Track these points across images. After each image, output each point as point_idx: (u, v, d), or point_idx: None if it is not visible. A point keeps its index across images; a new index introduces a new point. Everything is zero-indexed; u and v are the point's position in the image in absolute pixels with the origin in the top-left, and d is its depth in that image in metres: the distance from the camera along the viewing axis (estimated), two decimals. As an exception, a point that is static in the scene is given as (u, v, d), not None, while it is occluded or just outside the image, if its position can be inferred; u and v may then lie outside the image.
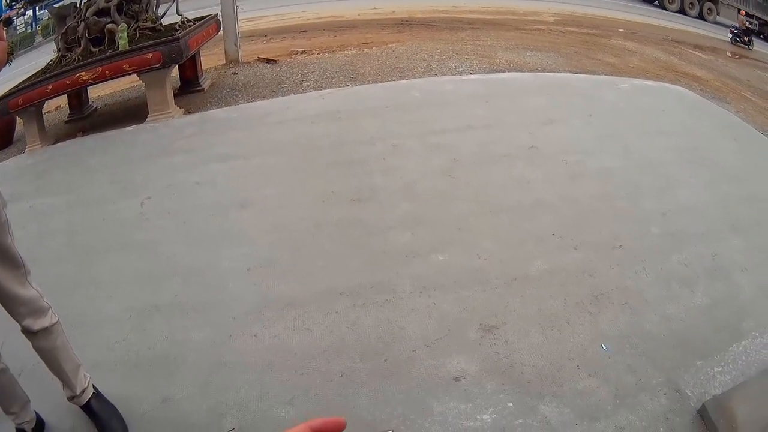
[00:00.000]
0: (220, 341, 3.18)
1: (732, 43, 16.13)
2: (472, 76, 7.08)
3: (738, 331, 3.27)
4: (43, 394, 2.77)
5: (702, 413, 2.71)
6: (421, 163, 4.82)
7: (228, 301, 3.45)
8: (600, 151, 5.21)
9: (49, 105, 7.52)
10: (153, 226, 4.32)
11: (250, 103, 6.38)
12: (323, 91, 6.49)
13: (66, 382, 2.59)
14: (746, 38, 15.90)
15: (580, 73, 7.90)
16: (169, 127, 5.99)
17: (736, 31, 16.37)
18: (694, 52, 14.28)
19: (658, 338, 3.13)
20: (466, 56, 8.31)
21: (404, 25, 12.17)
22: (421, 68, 7.45)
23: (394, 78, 6.94)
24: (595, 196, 4.45)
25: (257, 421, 2.71)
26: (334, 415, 0.71)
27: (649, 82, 8.20)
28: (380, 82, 6.78)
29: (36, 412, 2.64)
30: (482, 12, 14.92)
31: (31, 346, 2.45)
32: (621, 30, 14.37)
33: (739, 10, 18.99)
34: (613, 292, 3.47)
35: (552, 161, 4.91)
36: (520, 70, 7.65)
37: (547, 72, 7.72)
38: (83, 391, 2.63)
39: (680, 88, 8.48)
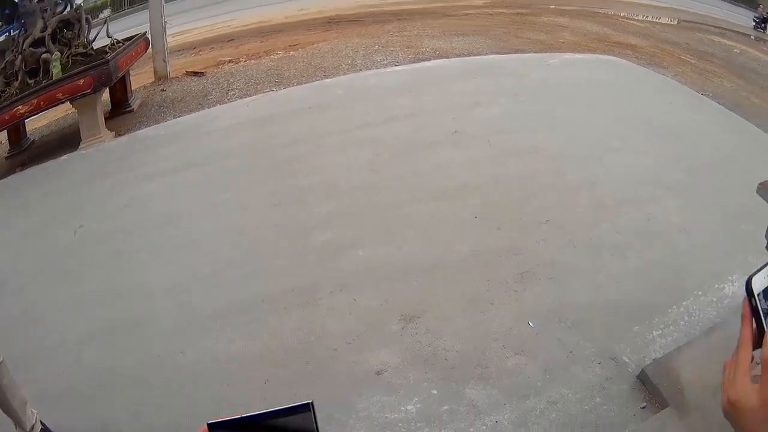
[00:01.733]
0: (150, 362, 3.17)
1: (754, 29, 19.23)
2: (397, 68, 7.12)
3: (679, 291, 3.29)
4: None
5: (642, 378, 2.72)
6: (344, 160, 4.84)
7: (155, 321, 3.45)
8: (526, 129, 5.25)
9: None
10: (85, 253, 4.28)
11: (178, 119, 6.36)
12: (248, 98, 6.50)
13: (17, 420, 2.59)
14: (764, 24, 19.04)
15: (508, 53, 7.94)
16: (101, 152, 5.94)
17: (757, 20, 19.79)
18: (630, 21, 14.46)
19: (589, 308, 3.14)
20: (392, 48, 8.32)
21: (331, 23, 12.17)
22: (346, 65, 7.48)
23: (318, 78, 6.96)
24: (520, 174, 4.48)
25: (188, 440, 2.70)
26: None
27: (580, 55, 8.32)
28: (305, 83, 6.80)
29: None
30: (410, 2, 14.88)
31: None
32: (552, 6, 14.52)
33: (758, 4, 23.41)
34: (539, 267, 3.47)
35: (476, 144, 4.94)
36: (446, 57, 7.66)
37: (474, 56, 7.73)
38: (32, 428, 2.64)
39: (612, 58, 8.55)
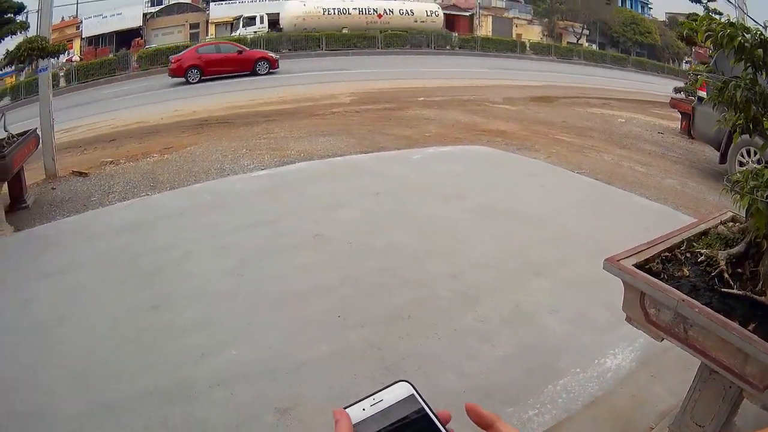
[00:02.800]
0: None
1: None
2: (262, 172, 7.61)
3: (554, 370, 3.52)
4: None
5: (521, 455, 2.90)
6: (210, 266, 5.15)
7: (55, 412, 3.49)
8: (385, 227, 5.72)
9: None
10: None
11: (65, 219, 6.53)
12: (126, 202, 6.82)
13: None
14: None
15: (372, 152, 8.60)
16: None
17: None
18: (501, 106, 15.30)
19: (457, 396, 3.28)
20: (258, 152, 8.85)
21: (203, 125, 12.60)
22: (215, 170, 7.93)
23: (189, 182, 7.39)
24: (379, 272, 4.84)
25: None
26: None
27: (445, 148, 9.00)
28: (177, 187, 7.21)
29: None
30: (279, 102, 15.66)
31: None
32: (421, 98, 15.39)
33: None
34: (405, 360, 3.72)
35: (336, 246, 5.35)
36: (311, 159, 8.23)
37: (338, 156, 8.33)
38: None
39: (479, 148, 9.29)
